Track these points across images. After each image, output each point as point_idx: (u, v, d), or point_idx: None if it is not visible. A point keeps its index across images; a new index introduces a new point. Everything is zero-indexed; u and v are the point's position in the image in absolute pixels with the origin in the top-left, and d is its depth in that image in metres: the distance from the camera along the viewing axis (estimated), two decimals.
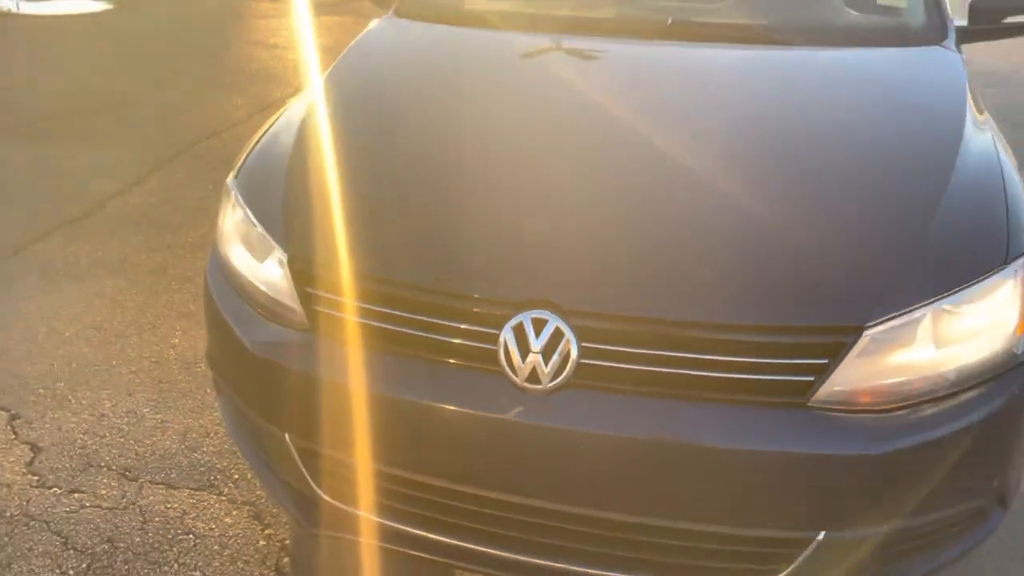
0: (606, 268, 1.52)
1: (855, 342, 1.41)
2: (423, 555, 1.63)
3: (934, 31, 2.30)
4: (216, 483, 2.16)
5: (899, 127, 1.94)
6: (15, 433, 2.32)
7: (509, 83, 2.19)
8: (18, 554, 1.92)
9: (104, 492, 2.11)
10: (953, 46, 2.24)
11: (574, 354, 1.43)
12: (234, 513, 2.06)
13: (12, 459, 2.22)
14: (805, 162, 1.79)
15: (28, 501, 2.08)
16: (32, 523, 2.01)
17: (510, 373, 1.45)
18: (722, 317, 1.44)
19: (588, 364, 1.44)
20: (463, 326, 1.49)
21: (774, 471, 1.42)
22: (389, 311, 1.54)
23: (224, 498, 2.11)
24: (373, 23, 2.58)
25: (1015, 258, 1.55)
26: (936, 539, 1.60)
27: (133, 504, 2.08)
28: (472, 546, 1.59)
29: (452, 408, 1.48)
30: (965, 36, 2.38)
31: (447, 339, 1.50)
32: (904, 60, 2.22)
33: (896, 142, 1.87)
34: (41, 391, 2.51)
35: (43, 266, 3.29)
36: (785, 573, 1.50)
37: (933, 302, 1.47)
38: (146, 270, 3.27)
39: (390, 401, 1.53)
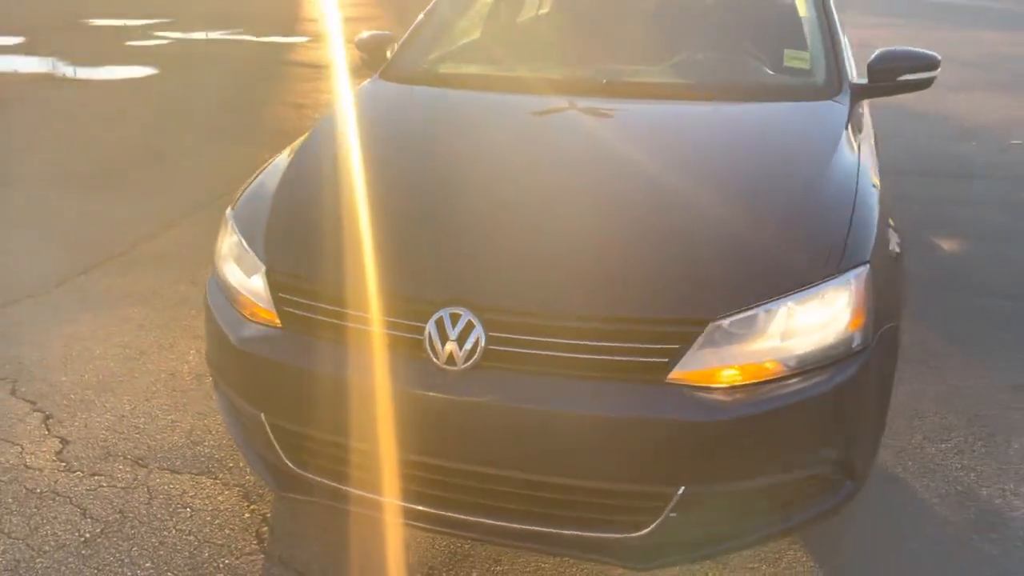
0: (507, 273, 1.89)
1: (702, 332, 1.76)
2: (366, 513, 1.99)
3: (829, 89, 2.67)
4: (214, 470, 2.53)
5: (767, 161, 2.31)
6: (48, 429, 2.73)
7: (457, 133, 2.61)
8: (45, 521, 2.30)
9: (119, 475, 2.50)
10: (846, 100, 2.61)
11: (482, 342, 1.80)
12: (226, 493, 2.43)
13: (44, 449, 2.62)
14: (679, 188, 2.17)
15: (56, 482, 2.47)
16: (57, 498, 2.39)
17: (432, 357, 1.82)
18: (596, 311, 1.79)
19: (494, 349, 1.80)
20: (397, 320, 1.87)
21: (639, 435, 1.75)
22: (340, 309, 1.93)
23: (219, 481, 2.48)
24: (362, 84, 3.04)
25: (849, 268, 1.89)
26: (788, 500, 1.91)
27: (143, 485, 2.46)
28: (405, 504, 1.94)
29: (388, 386, 1.84)
30: (865, 92, 2.74)
31: (385, 331, 1.88)
32: (794, 111, 2.59)
33: (761, 173, 2.23)
34: (72, 397, 2.92)
35: (81, 296, 3.74)
36: (657, 522, 1.81)
37: (773, 301, 1.81)
38: (169, 300, 3.70)
39: (339, 382, 1.89)
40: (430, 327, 1.82)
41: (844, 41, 2.82)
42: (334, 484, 2.01)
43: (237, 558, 2.18)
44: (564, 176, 2.26)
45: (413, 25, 3.27)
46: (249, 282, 2.11)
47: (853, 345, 1.87)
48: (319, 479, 2.03)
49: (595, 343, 1.77)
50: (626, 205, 2.09)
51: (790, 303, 1.83)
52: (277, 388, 2.01)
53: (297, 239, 2.11)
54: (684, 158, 2.36)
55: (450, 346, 1.80)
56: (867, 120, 2.75)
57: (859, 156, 2.34)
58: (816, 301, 1.85)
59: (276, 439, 2.06)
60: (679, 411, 1.74)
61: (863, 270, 1.91)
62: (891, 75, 2.74)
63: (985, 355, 3.23)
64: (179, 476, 2.50)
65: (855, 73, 2.85)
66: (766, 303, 1.81)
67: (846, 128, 2.45)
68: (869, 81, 2.75)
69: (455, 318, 1.81)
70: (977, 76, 10.04)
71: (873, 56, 2.75)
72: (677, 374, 1.76)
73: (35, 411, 2.83)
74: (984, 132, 7.04)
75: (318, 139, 2.61)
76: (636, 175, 2.24)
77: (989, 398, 2.93)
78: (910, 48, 2.80)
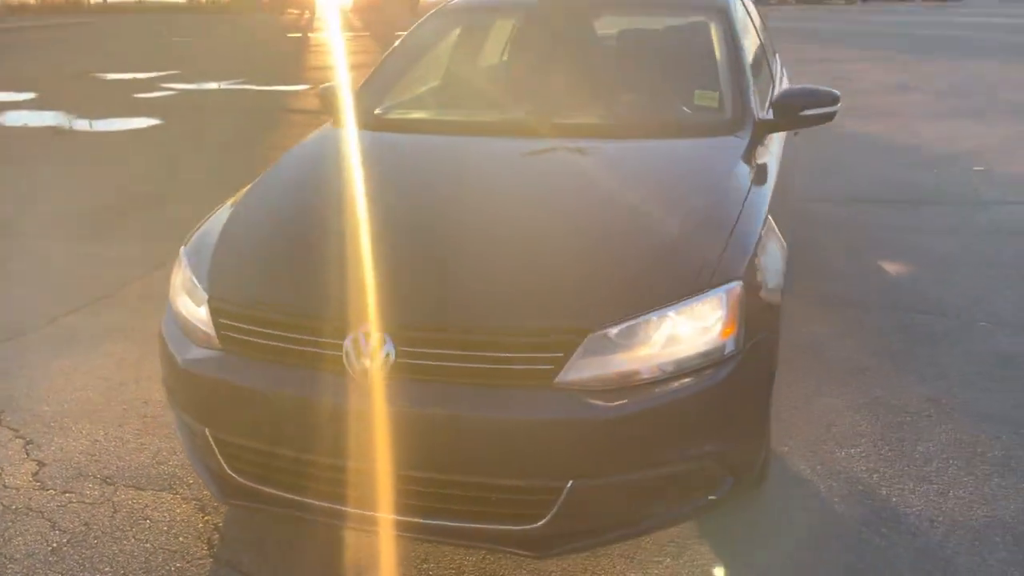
0: (413, 295, 2.13)
1: (583, 341, 1.99)
2: (298, 515, 2.21)
3: (733, 125, 2.92)
4: (175, 486, 2.76)
5: (659, 189, 2.57)
6: (27, 453, 2.97)
7: (383, 172, 2.87)
8: (17, 532, 2.53)
9: (88, 492, 2.73)
10: (746, 135, 2.85)
11: (392, 357, 2.03)
12: (184, 506, 2.65)
13: (23, 471, 2.86)
14: (575, 214, 2.43)
15: (30, 499, 2.70)
16: (31, 513, 2.63)
17: (349, 371, 2.05)
18: (488, 324, 2.03)
19: (403, 362, 2.03)
20: (319, 339, 2.11)
21: (530, 435, 1.97)
22: (269, 331, 2.17)
23: (179, 496, 2.71)
24: (315, 131, 3.32)
25: (721, 283, 2.12)
26: (672, 493, 2.12)
27: (108, 500, 2.69)
28: (329, 504, 2.16)
29: (312, 399, 2.08)
30: (768, 127, 2.99)
31: (308, 349, 2.12)
32: (695, 145, 2.84)
33: (652, 199, 2.49)
34: (52, 424, 3.17)
35: (69, 334, 4.01)
36: (551, 515, 2.03)
37: (652, 312, 2.04)
38: (150, 336, 3.92)
39: (270, 397, 2.13)
40: (347, 345, 2.06)
41: (749, 80, 3.07)
42: (269, 490, 2.23)
43: (188, 562, 2.40)
44: (472, 207, 2.52)
45: (364, 81, 3.56)
46: (198, 311, 2.35)
47: (725, 352, 2.09)
48: (256, 486, 2.25)
49: (488, 353, 2.00)
50: (524, 231, 2.33)
51: (669, 314, 2.06)
52: (218, 404, 2.25)
53: (236, 271, 2.37)
54: (585, 187, 2.62)
55: (365, 362, 2.04)
56: (773, 151, 2.99)
57: (749, 184, 2.58)
58: (691, 313, 2.08)
59: (219, 450, 2.29)
60: (564, 413, 1.96)
61: (735, 285, 2.14)
62: (793, 111, 2.98)
63: (910, 370, 3.43)
64: (142, 492, 2.73)
65: (767, 111, 3.08)
66: (644, 314, 2.04)
67: (741, 159, 2.70)
68: (774, 117, 3.00)
69: (368, 336, 2.05)
70: (956, 104, 10.31)
71: (776, 94, 3.00)
72: (562, 379, 1.98)
73: (17, 437, 3.08)
74: (949, 160, 7.27)
75: (265, 182, 2.88)
76: (539, 204, 2.50)
77: (904, 408, 3.13)
78: (810, 86, 3.06)
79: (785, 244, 2.58)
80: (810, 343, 3.68)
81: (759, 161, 2.80)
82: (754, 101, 3.02)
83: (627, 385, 2.02)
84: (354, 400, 2.04)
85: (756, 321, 2.19)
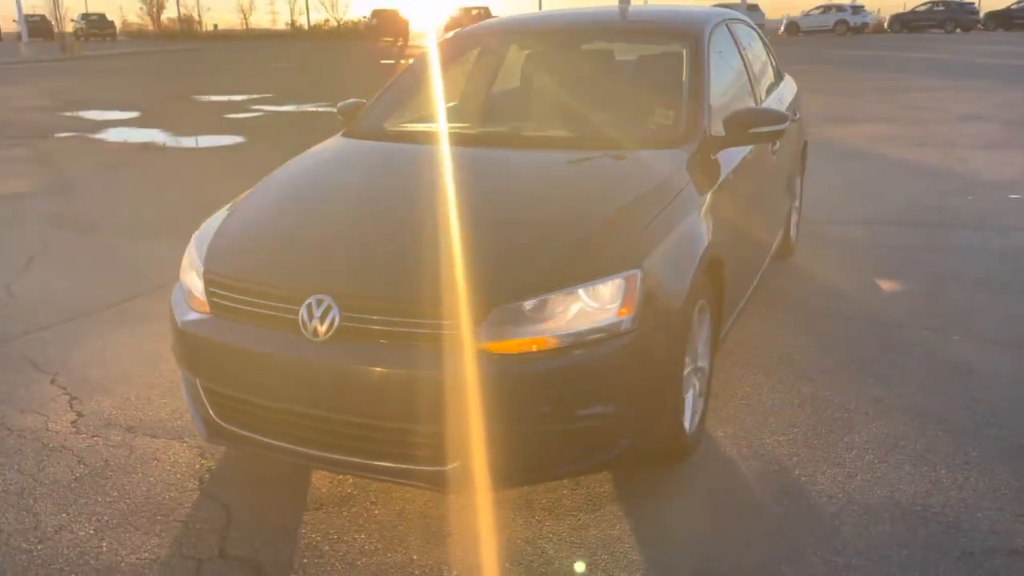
0: (357, 269, 2.56)
1: (492, 312, 2.36)
2: (265, 453, 2.64)
3: (682, 139, 3.24)
4: (184, 436, 3.24)
5: (591, 189, 2.94)
6: (70, 407, 3.51)
7: (363, 172, 3.33)
8: (50, 464, 3.04)
9: (112, 438, 3.23)
10: (692, 149, 3.18)
11: (337, 320, 2.44)
12: (187, 452, 3.12)
13: (64, 420, 3.39)
14: (513, 206, 2.84)
15: (65, 440, 3.22)
16: (63, 450, 3.14)
17: (304, 333, 2.47)
18: (416, 294, 2.42)
19: (347, 326, 2.44)
20: (280, 305, 2.54)
21: (444, 388, 2.35)
22: (246, 298, 2.62)
23: (185, 444, 3.18)
24: (327, 140, 3.82)
25: (623, 270, 2.46)
26: (571, 446, 2.46)
27: (127, 444, 3.18)
28: (287, 445, 2.58)
29: (274, 354, 2.51)
30: (718, 143, 3.30)
31: (272, 313, 2.56)
32: (643, 156, 3.18)
33: (585, 196, 2.87)
34: (95, 386, 3.71)
35: (126, 316, 4.59)
36: (460, 459, 2.40)
37: (555, 291, 2.40)
38: None
39: (243, 353, 2.57)
40: (303, 310, 2.48)
41: (703, 100, 3.39)
42: (244, 432, 2.67)
43: (180, 492, 2.85)
44: (426, 201, 2.94)
45: (374, 98, 4.04)
46: (197, 283, 2.82)
47: (621, 328, 2.43)
48: (234, 429, 2.69)
49: (415, 319, 2.39)
50: (464, 220, 2.72)
51: (573, 293, 2.42)
52: (206, 359, 2.71)
53: (226, 250, 2.83)
54: (532, 187, 3.02)
55: (315, 324, 2.46)
56: (720, 165, 3.29)
57: (679, 191, 2.91)
58: (592, 293, 2.43)
59: (206, 399, 2.74)
60: (472, 370, 2.33)
61: (634, 273, 2.48)
62: (742, 128, 3.29)
63: (867, 374, 3.64)
64: (156, 439, 3.22)
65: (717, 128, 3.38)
66: (550, 292, 2.40)
67: (681, 168, 3.03)
68: (725, 133, 3.31)
69: (320, 303, 2.47)
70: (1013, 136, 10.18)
71: (728, 114, 3.32)
72: (476, 341, 2.35)
73: (64, 394, 3.62)
74: (989, 188, 7.28)
75: (266, 180, 3.38)
76: (486, 199, 2.92)
77: (845, 406, 3.36)
78: (764, 107, 3.38)
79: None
80: (780, 349, 3.92)
81: (702, 172, 3.12)
82: (706, 119, 3.32)
83: (532, 350, 2.37)
84: (306, 357, 2.45)
85: (658, 306, 2.52)
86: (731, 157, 3.42)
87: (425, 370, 2.36)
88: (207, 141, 11.35)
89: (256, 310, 2.60)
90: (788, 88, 5.17)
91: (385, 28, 51.24)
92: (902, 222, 6.27)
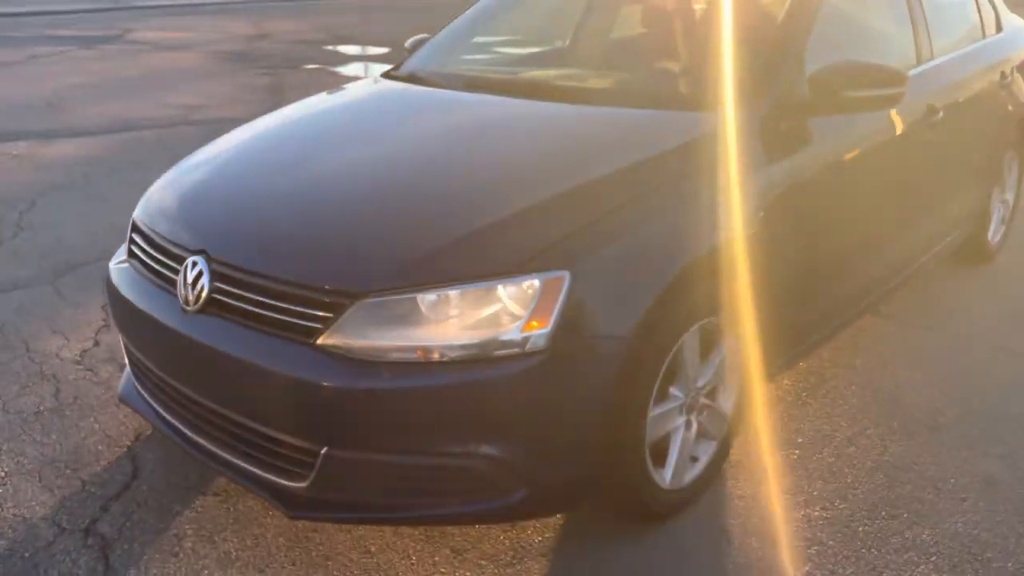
0: (237, 233, 2.15)
1: (352, 305, 1.85)
2: (159, 430, 2.34)
3: (733, 100, 2.42)
4: None
5: (556, 160, 2.28)
6: (95, 336, 3.48)
7: (347, 121, 2.86)
8: (30, 392, 2.99)
9: (101, 374, 3.12)
10: (743, 113, 2.37)
11: (206, 288, 2.06)
12: None
13: (77, 348, 3.36)
14: (443, 173, 2.29)
15: (60, 369, 3.17)
16: (51, 380, 3.08)
17: (178, 293, 2.12)
18: (276, 273, 1.96)
19: (215, 297, 2.05)
20: (168, 262, 2.21)
21: (289, 390, 1.90)
22: (147, 249, 2.31)
23: None
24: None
25: (540, 270, 1.84)
26: (443, 488, 1.90)
27: (107, 384, 3.05)
28: (159, 409, 2.27)
29: (153, 317, 2.18)
30: (797, 108, 2.45)
31: (160, 270, 2.23)
32: (665, 119, 2.44)
33: (531, 170, 2.23)
34: None
35: None
36: (311, 478, 1.94)
37: (439, 287, 1.84)
38: None
39: (134, 309, 2.27)
40: (182, 272, 2.13)
41: (789, 51, 2.53)
42: (146, 397, 2.39)
43: (108, 448, 2.66)
44: (369, 154, 2.42)
45: (432, 36, 3.55)
46: None
47: (527, 346, 1.82)
48: (141, 391, 2.42)
49: (272, 301, 1.95)
50: (382, 186, 2.22)
51: (461, 291, 1.84)
52: (118, 309, 2.44)
53: (157, 192, 2.53)
54: (493, 148, 2.42)
55: (187, 288, 2.10)
56: (799, 138, 2.44)
57: (669, 172, 2.17)
58: (488, 295, 1.84)
59: (126, 353, 2.51)
60: (318, 375, 1.85)
61: (559, 275, 1.84)
62: (833, 89, 2.41)
63: (992, 440, 2.66)
64: None
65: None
66: (431, 288, 1.84)
67: (702, 140, 2.26)
68: (810, 97, 2.44)
69: (194, 265, 2.10)
70: None
71: (816, 68, 2.45)
72: (326, 341, 1.86)
73: (103, 322, 3.60)
74: None
75: (258, 119, 3.02)
76: (425, 161, 2.37)
77: (938, 483, 2.44)
78: (863, 62, 2.45)
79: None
80: (890, 384, 3.00)
81: (748, 145, 2.32)
82: (780, 77, 2.48)
83: (399, 359, 1.84)
84: (172, 322, 2.10)
85: (592, 323, 1.88)
86: (838, 126, 2.55)
87: (266, 362, 1.91)
88: None
89: (152, 264, 2.29)
90: (1005, 42, 3.92)
91: None
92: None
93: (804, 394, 2.95)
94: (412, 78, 3.14)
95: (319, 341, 1.87)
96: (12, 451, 2.63)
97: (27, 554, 2.19)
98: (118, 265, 2.49)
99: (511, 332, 1.82)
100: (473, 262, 1.88)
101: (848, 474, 2.51)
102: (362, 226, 2.06)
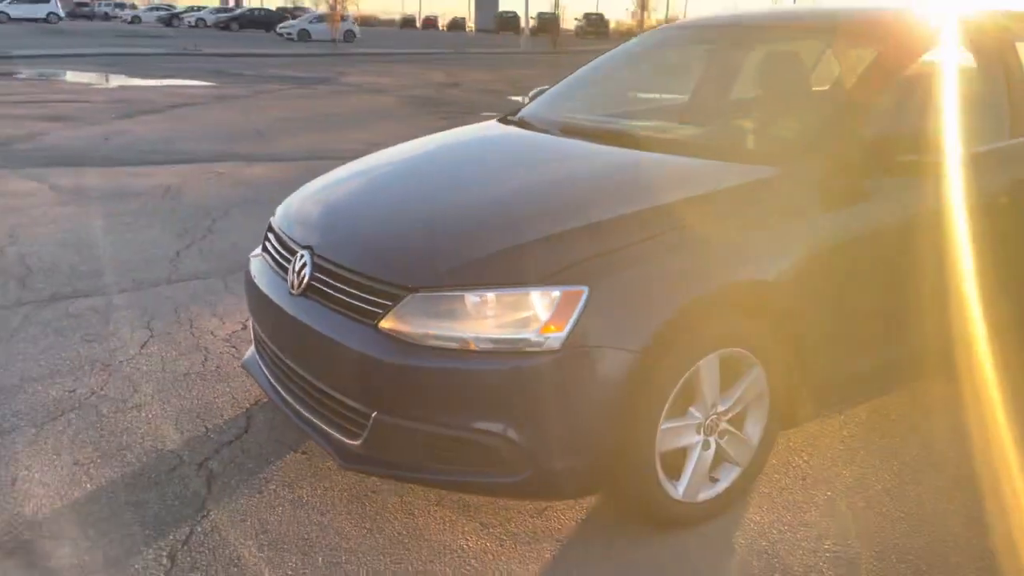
0: (336, 235, 2.62)
1: (405, 297, 2.26)
2: (267, 395, 2.84)
3: (785, 156, 2.64)
4: None
5: (602, 196, 2.59)
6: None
7: (457, 154, 3.31)
8: (185, 360, 3.63)
9: (241, 350, 3.73)
10: (799, 168, 2.59)
11: (307, 276, 2.55)
12: None
13: (232, 328, 3.99)
14: (509, 200, 2.65)
15: (213, 343, 3.80)
16: (201, 351, 3.72)
17: (287, 283, 2.62)
18: (355, 267, 2.40)
19: (311, 283, 2.53)
20: (285, 253, 2.72)
21: (353, 360, 2.32)
22: (272, 242, 2.85)
23: None
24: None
25: (563, 283, 2.18)
26: (464, 459, 2.26)
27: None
28: (267, 372, 2.78)
29: (269, 298, 2.69)
30: (850, 168, 2.59)
31: (280, 260, 2.75)
32: (721, 169, 2.67)
33: (577, 202, 2.55)
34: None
35: None
36: (363, 437, 2.34)
37: (478, 289, 2.22)
38: None
39: (257, 291, 2.80)
40: (294, 261, 2.63)
41: (855, 116, 2.71)
42: (261, 367, 2.91)
43: (231, 405, 3.21)
44: (444, 183, 2.90)
45: (549, 88, 3.97)
46: None
47: (544, 345, 2.16)
48: (258, 362, 2.95)
49: (352, 290, 2.39)
50: (458, 206, 2.62)
51: (495, 294, 2.21)
52: (249, 292, 2.98)
53: (289, 204, 3.06)
54: (555, 185, 2.74)
55: (293, 276, 2.59)
56: (852, 196, 2.61)
57: (702, 207, 2.45)
58: (519, 299, 2.20)
59: (253, 334, 3.05)
60: (374, 351, 2.27)
61: (579, 289, 2.17)
62: (888, 154, 2.58)
63: None
64: None
65: None
66: (471, 289, 2.22)
67: (750, 189, 2.53)
68: (867, 159, 2.60)
69: (301, 257, 2.60)
70: None
71: (875, 132, 2.62)
72: (386, 323, 2.28)
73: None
74: None
75: (387, 149, 3.53)
76: (500, 189, 2.75)
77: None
78: (919, 131, 2.60)
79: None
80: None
81: (794, 198, 2.54)
82: (841, 137, 2.67)
83: (441, 345, 2.22)
84: (282, 302, 2.60)
85: (605, 334, 2.18)
86: (903, 189, 2.70)
87: (341, 340, 2.34)
88: None
89: (276, 256, 2.81)
90: None
91: None
92: None
93: (854, 442, 3.05)
94: (520, 122, 3.56)
95: (379, 324, 2.29)
96: (162, 400, 3.24)
97: (153, 475, 2.73)
98: (254, 257, 3.04)
99: (532, 332, 2.16)
100: (508, 272, 2.24)
101: (872, 520, 2.61)
102: (426, 236, 2.48)
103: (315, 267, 2.53)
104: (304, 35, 42.35)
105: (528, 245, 2.32)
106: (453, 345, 2.21)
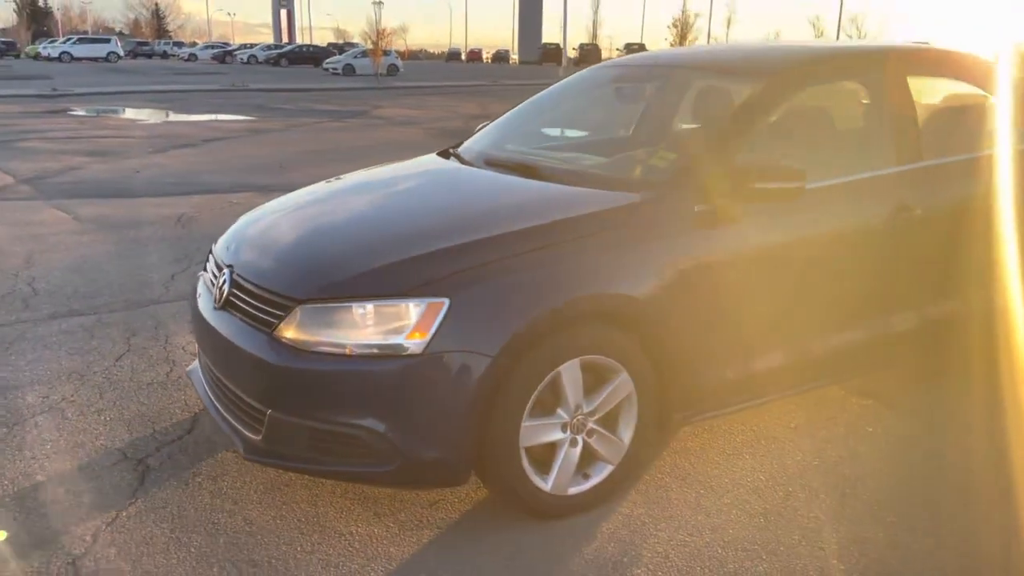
0: (252, 253, 2.96)
1: (295, 308, 2.59)
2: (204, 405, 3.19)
3: (652, 183, 2.93)
4: None
5: (477, 218, 2.94)
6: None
7: (383, 184, 3.65)
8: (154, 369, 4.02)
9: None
10: (642, 195, 2.89)
11: (227, 293, 2.90)
12: None
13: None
14: (399, 221, 3.00)
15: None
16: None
17: (213, 296, 2.98)
18: (257, 281, 2.75)
19: (231, 299, 2.88)
20: (216, 272, 3.09)
21: (253, 364, 2.66)
22: (209, 265, 3.22)
23: None
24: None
25: (426, 295, 2.50)
26: (338, 449, 2.56)
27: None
28: (204, 381, 3.13)
29: (200, 311, 3.05)
30: (714, 195, 2.85)
31: (212, 279, 3.11)
32: (590, 195, 2.98)
33: (453, 223, 2.90)
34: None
35: None
36: (262, 433, 2.66)
37: (353, 301, 2.54)
38: None
39: (196, 308, 3.16)
40: (219, 279, 2.99)
41: (727, 146, 3.00)
42: (199, 369, 3.27)
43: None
44: (354, 210, 3.25)
45: (487, 124, 4.31)
46: None
47: (408, 350, 2.47)
48: (199, 367, 3.31)
49: (254, 302, 2.74)
50: (344, 229, 3.02)
51: (368, 306, 2.54)
52: (192, 313, 3.34)
53: (229, 228, 3.44)
54: (449, 206, 3.13)
55: (216, 291, 2.96)
56: (717, 218, 2.87)
57: (582, 234, 2.72)
58: (391, 310, 2.52)
59: (198, 345, 3.42)
60: (270, 355, 2.60)
61: (438, 301, 2.48)
62: (747, 181, 2.83)
63: None
64: None
65: None
66: (347, 301, 2.55)
67: (610, 212, 2.82)
68: (732, 186, 2.85)
69: (224, 275, 2.95)
70: None
71: (738, 164, 2.89)
72: (279, 331, 2.61)
73: None
74: None
75: (327, 180, 3.89)
76: (395, 211, 3.15)
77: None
78: (770, 162, 2.86)
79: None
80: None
81: (656, 220, 2.82)
82: (708, 167, 2.94)
83: (322, 351, 2.55)
84: (207, 315, 2.96)
85: (463, 339, 2.48)
86: (774, 214, 2.96)
87: (244, 346, 2.68)
88: None
89: (210, 274, 3.18)
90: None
91: None
92: None
93: (744, 447, 3.27)
94: (455, 154, 3.90)
95: (274, 332, 2.62)
96: (120, 406, 3.61)
97: (96, 469, 3.09)
98: (200, 276, 3.42)
99: (399, 338, 2.48)
100: (381, 286, 2.57)
101: (732, 517, 2.83)
102: (320, 255, 2.82)
103: (232, 283, 2.88)
104: (349, 70, 43.71)
105: (402, 262, 2.65)
106: (335, 350, 2.53)
